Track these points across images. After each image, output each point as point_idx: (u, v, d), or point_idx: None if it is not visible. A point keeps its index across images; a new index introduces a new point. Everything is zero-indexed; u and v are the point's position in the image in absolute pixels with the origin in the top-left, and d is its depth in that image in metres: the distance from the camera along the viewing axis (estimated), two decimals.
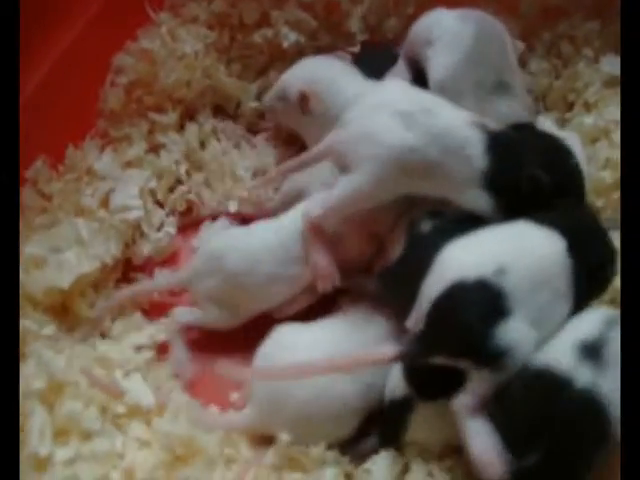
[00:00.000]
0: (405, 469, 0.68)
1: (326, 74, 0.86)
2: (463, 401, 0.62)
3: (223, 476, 0.67)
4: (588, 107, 0.97)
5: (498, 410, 0.61)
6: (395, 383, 0.68)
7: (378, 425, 0.71)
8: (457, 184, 0.70)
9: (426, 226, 0.72)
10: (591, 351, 0.59)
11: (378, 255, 0.78)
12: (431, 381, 0.65)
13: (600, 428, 0.57)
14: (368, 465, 0.68)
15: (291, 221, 0.78)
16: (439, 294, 0.62)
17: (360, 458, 0.70)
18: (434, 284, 0.64)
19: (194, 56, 0.95)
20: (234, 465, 0.69)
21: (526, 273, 0.62)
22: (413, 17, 0.92)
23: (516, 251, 0.63)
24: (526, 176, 0.70)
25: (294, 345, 0.72)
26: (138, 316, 0.85)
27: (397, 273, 0.72)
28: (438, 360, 0.62)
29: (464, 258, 0.64)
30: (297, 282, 0.78)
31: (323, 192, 0.75)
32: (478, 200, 0.70)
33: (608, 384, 0.57)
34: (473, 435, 0.61)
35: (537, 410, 0.59)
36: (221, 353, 0.82)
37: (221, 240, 0.83)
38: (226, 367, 0.74)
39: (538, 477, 0.58)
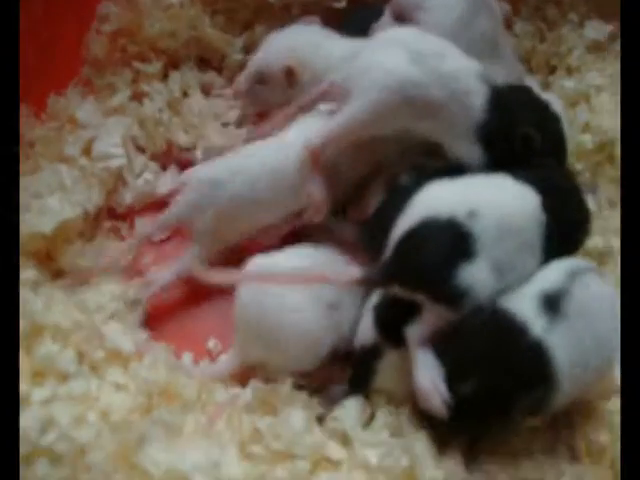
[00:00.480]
0: (372, 417, 0.70)
1: (307, 41, 0.86)
2: (414, 330, 0.64)
3: (197, 419, 0.69)
4: (570, 71, 0.99)
5: (447, 342, 0.63)
6: (365, 330, 0.70)
7: (348, 372, 0.73)
8: (453, 130, 0.72)
9: (406, 178, 0.74)
10: (550, 302, 0.62)
11: (355, 203, 0.80)
12: (399, 327, 0.66)
13: (540, 375, 0.60)
14: (337, 411, 0.70)
15: (292, 139, 0.78)
16: (410, 227, 0.64)
17: (330, 404, 0.72)
18: (407, 219, 0.65)
19: (179, 6, 0.95)
20: (208, 408, 0.71)
21: (496, 221, 0.63)
22: None
23: (490, 199, 0.65)
24: (520, 134, 0.72)
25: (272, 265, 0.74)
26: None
27: (375, 222, 0.74)
28: (397, 290, 0.64)
29: (439, 197, 0.66)
30: (291, 206, 0.79)
31: (323, 120, 0.76)
32: (468, 149, 0.73)
33: (559, 336, 0.60)
34: (419, 365, 0.63)
35: (482, 346, 0.62)
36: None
37: (219, 167, 0.81)
38: (214, 273, 0.75)
39: (470, 407, 0.61)
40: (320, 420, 0.71)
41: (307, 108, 0.79)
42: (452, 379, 0.62)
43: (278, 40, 0.88)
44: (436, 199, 0.66)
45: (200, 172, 0.82)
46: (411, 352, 0.64)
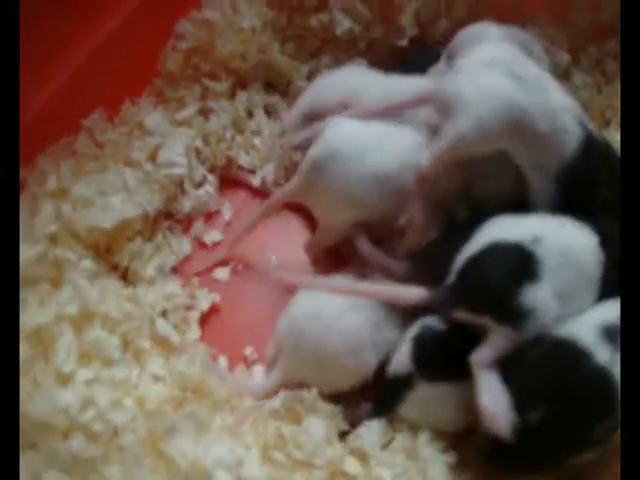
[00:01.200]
0: (392, 440, 0.72)
1: (357, 78, 0.89)
2: (480, 355, 0.65)
3: (225, 419, 0.73)
4: None
5: (514, 369, 0.64)
6: (401, 359, 0.71)
7: (375, 394, 0.75)
8: (538, 161, 0.73)
9: (463, 214, 0.77)
10: (612, 334, 0.62)
11: (398, 238, 0.81)
12: (435, 363, 0.69)
13: (608, 405, 0.60)
14: (360, 429, 0.72)
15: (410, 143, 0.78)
16: (477, 251, 0.66)
17: (353, 421, 0.74)
18: (473, 245, 0.67)
19: (251, 31, 0.99)
20: (237, 410, 0.75)
21: (560, 249, 0.65)
22: (464, 21, 0.95)
23: (554, 230, 0.67)
24: (601, 195, 0.73)
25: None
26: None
27: (429, 257, 0.76)
28: (462, 314, 0.66)
29: (506, 225, 0.68)
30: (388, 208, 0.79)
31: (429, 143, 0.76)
32: (543, 186, 0.74)
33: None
34: (485, 388, 0.63)
35: (551, 374, 0.62)
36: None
37: (338, 133, 0.80)
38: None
39: (538, 435, 0.62)
40: (342, 435, 0.73)
41: (395, 112, 0.80)
42: (521, 405, 0.62)
43: (328, 79, 0.92)
44: (503, 227, 0.68)
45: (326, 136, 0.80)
46: (476, 376, 0.64)
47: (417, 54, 0.98)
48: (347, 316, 0.73)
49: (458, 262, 0.68)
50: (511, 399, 0.63)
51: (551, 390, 0.62)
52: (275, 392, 0.77)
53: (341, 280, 0.78)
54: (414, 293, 0.69)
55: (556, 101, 0.72)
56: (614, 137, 0.94)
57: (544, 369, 0.63)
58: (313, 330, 0.74)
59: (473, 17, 0.94)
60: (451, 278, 0.67)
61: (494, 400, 0.63)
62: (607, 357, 0.61)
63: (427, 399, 0.70)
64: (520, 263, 0.64)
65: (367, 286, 0.75)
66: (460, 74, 0.74)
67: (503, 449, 0.63)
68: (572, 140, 0.72)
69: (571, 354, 0.62)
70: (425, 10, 1.01)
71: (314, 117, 0.89)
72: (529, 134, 0.71)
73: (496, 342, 0.64)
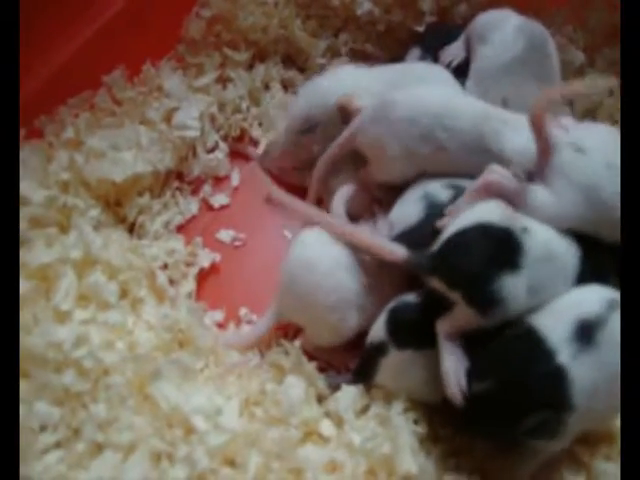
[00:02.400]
0: (367, 407, 0.75)
1: (345, 76, 0.91)
2: (444, 324, 0.67)
3: (211, 368, 0.77)
4: None
5: (479, 342, 0.66)
6: (377, 328, 0.74)
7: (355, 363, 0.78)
8: None
9: (443, 195, 0.78)
10: (585, 330, 0.62)
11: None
12: (407, 332, 0.71)
13: (553, 399, 0.61)
14: (338, 394, 0.75)
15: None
16: (465, 227, 0.67)
17: (333, 386, 0.77)
18: (462, 220, 0.68)
19: (274, 5, 1.02)
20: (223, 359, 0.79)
21: (544, 242, 0.67)
22: (483, 5, 0.98)
23: (540, 225, 0.68)
24: None
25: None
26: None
27: (416, 236, 0.76)
28: (436, 283, 0.67)
29: (498, 209, 0.68)
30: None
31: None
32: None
33: (585, 364, 0.61)
34: (447, 354, 0.66)
35: (508, 356, 0.64)
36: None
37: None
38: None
39: (480, 407, 0.64)
40: (320, 399, 0.77)
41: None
42: (471, 375, 0.65)
43: (316, 85, 0.92)
44: (495, 210, 0.68)
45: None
46: (439, 342, 0.67)
47: (435, 33, 1.00)
48: (338, 274, 0.77)
49: (445, 232, 0.69)
50: (468, 368, 0.66)
51: (504, 371, 0.63)
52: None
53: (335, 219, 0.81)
54: (396, 251, 0.72)
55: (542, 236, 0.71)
56: None
57: (506, 351, 0.65)
58: (304, 280, 0.77)
59: (493, 4, 0.96)
60: (435, 246, 0.69)
61: (453, 367, 0.66)
62: (568, 357, 0.61)
63: (399, 366, 0.72)
64: (505, 249, 0.65)
65: (357, 231, 0.77)
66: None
67: (458, 412, 0.66)
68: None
69: (535, 348, 0.63)
70: None
71: (309, 128, 0.91)
72: None
73: (460, 317, 0.66)
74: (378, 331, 0.74)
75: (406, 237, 0.76)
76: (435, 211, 0.76)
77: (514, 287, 0.64)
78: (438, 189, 0.79)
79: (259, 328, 0.84)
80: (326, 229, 0.79)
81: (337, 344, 0.80)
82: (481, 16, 0.92)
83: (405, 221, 0.78)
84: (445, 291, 0.67)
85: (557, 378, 0.61)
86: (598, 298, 0.65)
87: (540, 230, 0.68)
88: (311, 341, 0.81)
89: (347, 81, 0.89)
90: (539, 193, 0.71)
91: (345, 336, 0.78)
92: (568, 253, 0.69)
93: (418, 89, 0.82)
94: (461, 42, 0.93)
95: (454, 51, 0.93)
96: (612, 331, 0.62)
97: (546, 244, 0.67)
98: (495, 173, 0.72)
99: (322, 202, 0.93)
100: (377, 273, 0.77)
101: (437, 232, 0.71)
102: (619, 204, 0.67)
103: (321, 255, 0.78)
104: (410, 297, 0.73)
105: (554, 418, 0.62)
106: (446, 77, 0.89)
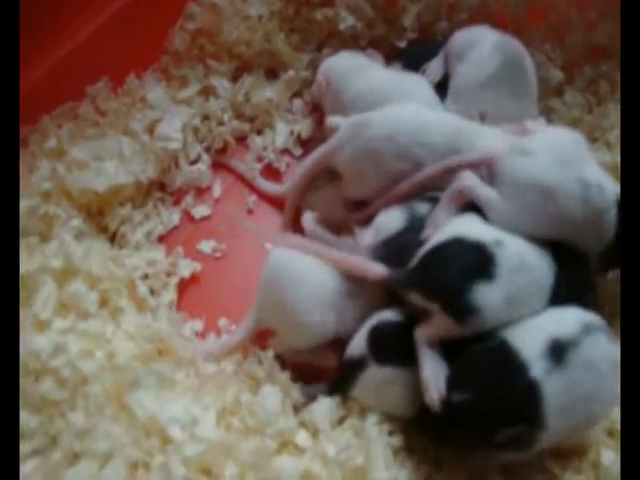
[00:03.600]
0: (343, 419, 0.76)
1: (342, 67, 0.95)
2: (422, 332, 0.69)
3: (189, 378, 0.77)
4: (610, 146, 1.02)
5: (459, 351, 0.67)
6: (358, 343, 0.75)
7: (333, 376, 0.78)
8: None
9: (423, 208, 0.80)
10: (557, 349, 0.64)
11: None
12: (386, 348, 0.72)
13: (525, 414, 0.63)
14: (315, 404, 0.75)
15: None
16: (441, 242, 0.69)
17: (309, 397, 0.78)
18: (440, 235, 0.71)
19: (258, 19, 1.03)
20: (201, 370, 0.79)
21: (518, 254, 0.68)
22: (464, 22, 1.00)
23: (514, 238, 0.70)
24: None
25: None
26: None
27: (395, 246, 0.78)
28: (415, 297, 0.69)
29: (471, 224, 0.71)
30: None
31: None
32: None
33: (556, 382, 0.63)
34: (426, 360, 0.68)
35: (483, 370, 0.65)
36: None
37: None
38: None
39: (456, 416, 0.65)
40: (296, 408, 0.77)
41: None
42: (450, 385, 0.66)
43: (334, 58, 0.99)
44: (469, 224, 0.71)
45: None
46: (419, 349, 0.68)
47: (415, 49, 1.02)
48: (316, 277, 0.78)
49: (423, 249, 0.71)
50: (448, 376, 0.67)
51: (480, 386, 0.65)
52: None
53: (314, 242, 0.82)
54: (376, 269, 0.73)
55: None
56: (601, 157, 0.98)
57: (482, 364, 0.66)
58: (283, 279, 0.78)
59: (474, 22, 0.98)
60: (413, 262, 0.71)
61: (432, 372, 0.67)
62: (541, 373, 0.63)
63: (377, 381, 0.73)
64: (479, 261, 0.67)
65: (337, 252, 0.78)
66: (520, 155, 0.74)
67: (434, 421, 0.67)
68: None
69: (508, 361, 0.65)
70: (427, 12, 1.04)
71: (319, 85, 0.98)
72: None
73: (438, 325, 0.68)
74: (358, 346, 0.75)
75: (389, 244, 0.78)
76: (416, 222, 0.78)
77: (489, 296, 0.66)
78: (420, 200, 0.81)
79: (238, 334, 0.84)
80: (304, 252, 0.80)
81: (315, 346, 0.80)
82: (459, 33, 0.94)
83: (389, 227, 0.80)
84: (424, 303, 0.68)
85: (530, 392, 0.63)
86: (575, 320, 0.67)
87: (513, 241, 0.69)
88: (288, 344, 0.81)
89: (344, 65, 0.95)
90: (493, 200, 0.72)
91: (320, 340, 0.79)
92: (542, 263, 0.70)
93: (392, 108, 0.84)
94: (440, 59, 0.95)
95: (433, 68, 0.95)
96: (584, 354, 0.64)
97: (520, 255, 0.69)
98: (466, 179, 0.75)
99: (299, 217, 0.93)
100: (358, 277, 0.78)
101: (419, 241, 0.73)
102: (579, 205, 0.68)
103: (301, 255, 0.79)
104: (391, 314, 0.74)
105: (527, 432, 0.63)
106: (424, 87, 0.91)
